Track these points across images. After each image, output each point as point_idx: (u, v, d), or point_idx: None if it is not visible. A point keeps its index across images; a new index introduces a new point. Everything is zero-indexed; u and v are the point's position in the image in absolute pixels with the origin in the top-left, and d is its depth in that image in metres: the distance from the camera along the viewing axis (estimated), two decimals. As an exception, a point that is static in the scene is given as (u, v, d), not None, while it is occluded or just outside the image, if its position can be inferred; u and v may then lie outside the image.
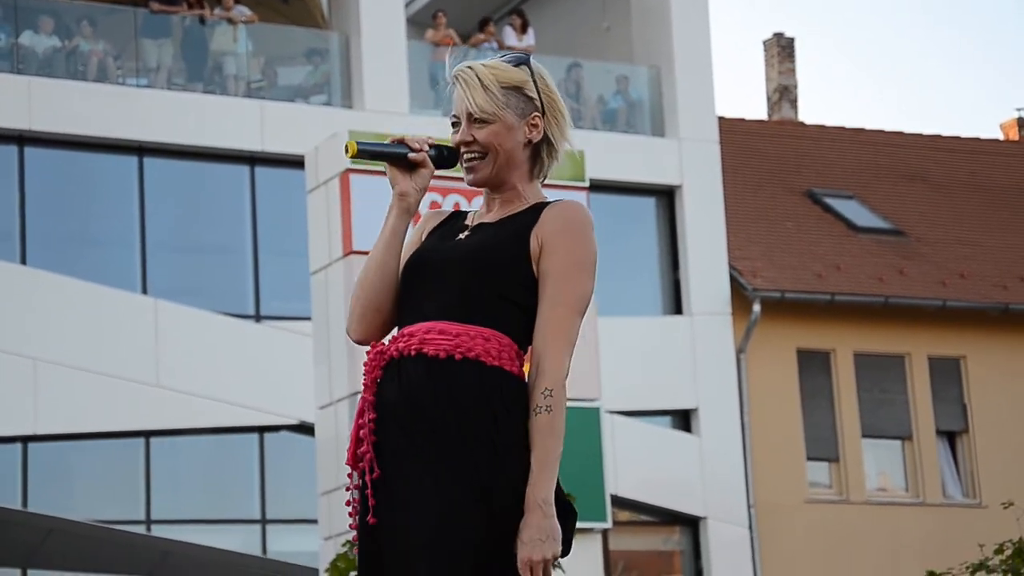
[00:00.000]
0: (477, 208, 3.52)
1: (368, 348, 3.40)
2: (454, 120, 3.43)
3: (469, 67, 3.42)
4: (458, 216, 3.50)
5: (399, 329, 3.39)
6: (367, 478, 3.31)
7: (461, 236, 3.41)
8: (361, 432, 3.33)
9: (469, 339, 3.30)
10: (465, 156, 3.41)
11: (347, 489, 3.39)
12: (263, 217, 18.46)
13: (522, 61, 3.44)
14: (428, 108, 19.51)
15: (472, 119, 3.40)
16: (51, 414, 16.90)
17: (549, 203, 3.41)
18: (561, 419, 3.28)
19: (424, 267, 3.38)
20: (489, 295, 3.32)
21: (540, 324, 3.32)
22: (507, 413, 3.28)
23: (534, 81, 3.44)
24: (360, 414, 3.35)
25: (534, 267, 3.34)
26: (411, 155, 3.38)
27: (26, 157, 17.68)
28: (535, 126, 3.43)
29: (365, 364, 3.38)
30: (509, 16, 21.17)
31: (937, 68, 62.07)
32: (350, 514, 3.39)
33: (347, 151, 3.35)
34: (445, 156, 3.40)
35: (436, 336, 3.31)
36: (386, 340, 3.44)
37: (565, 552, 3.31)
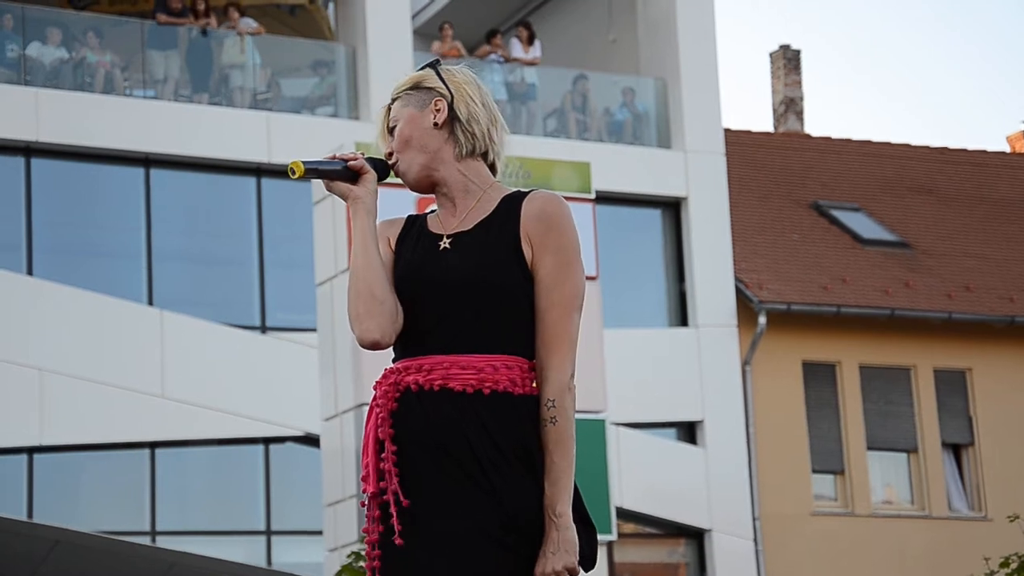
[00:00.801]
0: (431, 211, 3.48)
1: (378, 378, 3.35)
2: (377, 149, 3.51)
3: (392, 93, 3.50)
4: (416, 221, 3.46)
5: (407, 358, 3.33)
6: (392, 509, 3.25)
7: (443, 246, 3.36)
8: (383, 466, 3.27)
9: (493, 371, 3.27)
10: (393, 164, 3.43)
11: (368, 521, 3.34)
12: (269, 229, 18.48)
13: (426, 65, 3.48)
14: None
15: (389, 133, 3.44)
16: (57, 425, 16.91)
17: (521, 197, 3.36)
18: (568, 427, 3.26)
19: (423, 290, 3.32)
20: (502, 319, 3.29)
21: (539, 330, 3.30)
22: (537, 439, 3.28)
23: (437, 73, 3.44)
24: (372, 445, 3.29)
25: (532, 274, 3.33)
26: (351, 163, 3.38)
27: (33, 168, 17.71)
28: (438, 109, 3.40)
29: (378, 397, 3.32)
30: (516, 28, 21.20)
31: (944, 81, 62.08)
32: (368, 542, 3.32)
33: (292, 173, 3.37)
34: (378, 166, 3.44)
35: (460, 371, 3.27)
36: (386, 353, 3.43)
37: (588, 566, 3.29)
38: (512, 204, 3.35)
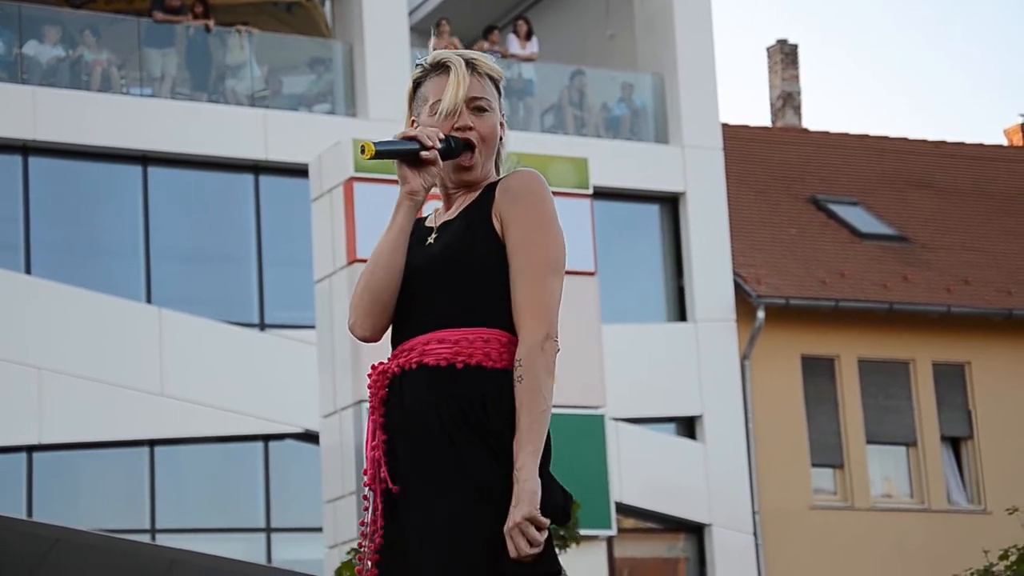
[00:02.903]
0: (435, 208, 3.50)
1: (369, 370, 3.39)
2: (440, 108, 3.37)
3: (459, 55, 3.40)
4: (419, 221, 3.47)
5: (396, 345, 3.37)
6: (378, 499, 3.29)
7: (430, 240, 3.39)
8: (375, 454, 3.31)
9: (468, 344, 3.28)
10: (475, 149, 3.39)
11: (364, 510, 3.38)
12: (267, 226, 18.48)
13: (497, 59, 3.49)
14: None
15: (472, 104, 3.38)
16: (56, 423, 16.91)
17: (500, 179, 3.39)
18: (535, 385, 3.22)
19: (405, 282, 3.36)
20: (478, 293, 3.30)
21: (513, 298, 3.29)
22: (511, 413, 3.26)
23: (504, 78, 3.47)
24: (372, 435, 3.33)
25: (506, 247, 3.33)
26: (423, 154, 3.34)
27: (30, 167, 17.71)
28: (502, 125, 3.45)
29: (369, 385, 3.36)
30: (513, 24, 21.20)
31: (941, 74, 62.08)
32: (362, 535, 3.35)
33: (363, 152, 3.32)
34: (452, 148, 3.37)
35: (436, 346, 3.29)
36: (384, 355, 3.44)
37: (560, 519, 3.24)
38: (491, 187, 3.38)
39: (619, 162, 19.55)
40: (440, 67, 3.40)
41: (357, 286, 3.40)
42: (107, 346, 17.17)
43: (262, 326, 18.16)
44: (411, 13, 20.90)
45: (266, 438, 17.80)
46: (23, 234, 17.58)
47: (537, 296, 3.27)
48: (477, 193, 3.40)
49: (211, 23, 18.86)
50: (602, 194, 17.85)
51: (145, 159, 18.08)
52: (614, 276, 18.56)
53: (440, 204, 3.50)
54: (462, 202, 3.42)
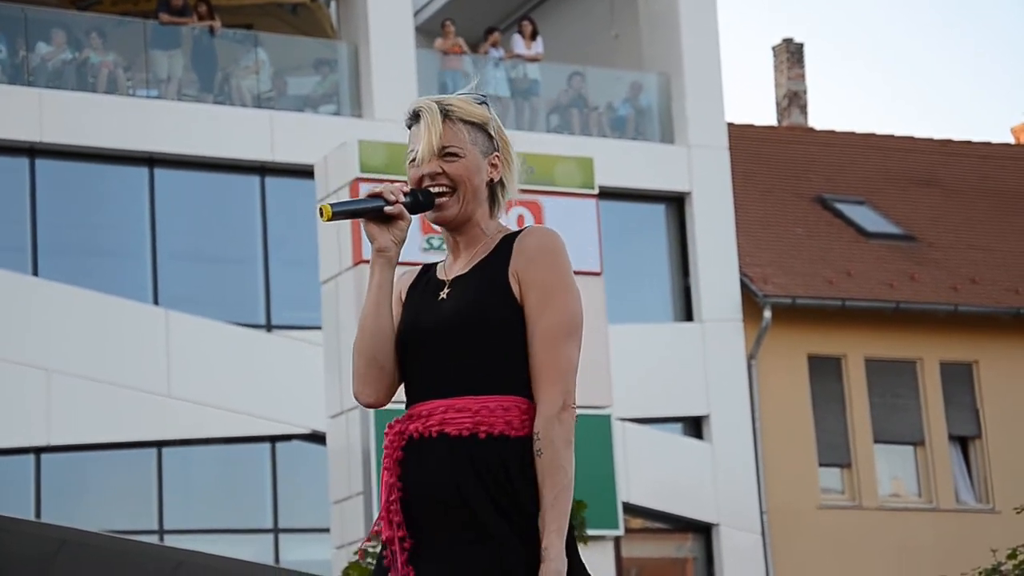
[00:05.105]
0: (445, 257, 3.47)
1: (385, 431, 3.38)
2: (412, 156, 3.38)
3: (433, 101, 3.39)
4: (429, 270, 3.46)
5: (410, 406, 3.35)
6: (399, 558, 3.27)
7: (442, 295, 3.36)
8: (390, 517, 3.29)
9: (489, 412, 3.26)
10: (434, 191, 3.37)
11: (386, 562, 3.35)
12: (273, 227, 18.49)
13: (482, 100, 3.43)
14: (437, 117, 19.51)
15: (442, 152, 3.36)
16: (64, 425, 16.93)
17: (516, 234, 3.36)
18: (555, 459, 3.21)
19: (420, 338, 3.33)
20: (496, 357, 3.28)
21: (531, 363, 3.28)
22: (534, 481, 3.25)
23: (494, 120, 3.43)
24: (387, 494, 3.31)
25: (523, 309, 3.30)
26: (387, 208, 3.33)
27: (37, 169, 17.72)
28: (495, 166, 3.42)
29: (386, 445, 3.35)
30: (518, 24, 21.20)
31: (947, 72, 62.03)
32: None
33: (322, 215, 3.32)
34: (421, 201, 3.36)
35: (455, 415, 3.27)
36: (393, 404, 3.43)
37: None
38: (507, 243, 3.36)
39: (625, 162, 19.54)
40: (416, 116, 3.40)
41: (352, 351, 3.40)
42: (114, 348, 17.18)
43: (268, 327, 18.17)
44: (416, 14, 20.90)
45: (273, 439, 17.81)
46: (30, 236, 17.60)
47: (554, 363, 3.26)
48: (490, 247, 3.38)
49: (216, 24, 18.88)
50: (608, 194, 17.84)
51: (151, 161, 18.09)
52: (620, 276, 18.55)
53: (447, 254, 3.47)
54: (472, 254, 3.39)
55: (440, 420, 3.27)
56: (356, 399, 3.41)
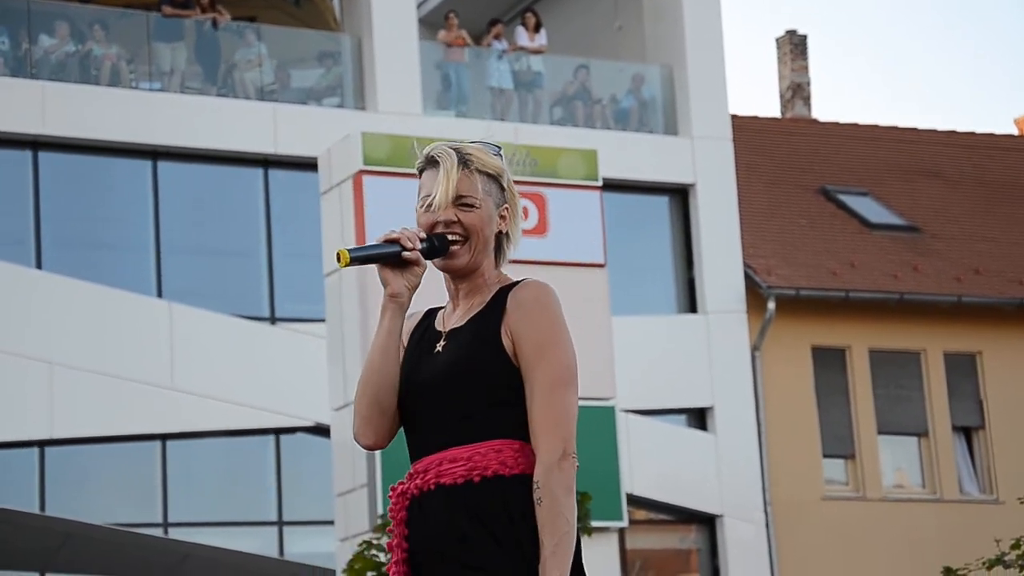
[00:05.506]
0: (446, 305, 3.49)
1: (388, 493, 3.43)
2: (428, 203, 3.39)
3: (452, 148, 3.41)
4: (431, 316, 3.49)
5: (413, 461, 3.40)
6: None
7: (438, 348, 3.39)
8: (392, 572, 3.36)
9: (481, 457, 3.30)
10: (453, 242, 3.38)
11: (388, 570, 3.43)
12: (277, 219, 18.50)
13: (498, 151, 3.45)
14: (441, 109, 19.53)
15: (458, 201, 3.38)
16: (67, 418, 16.95)
17: (511, 286, 3.39)
18: (555, 507, 3.24)
19: (416, 391, 3.38)
20: (487, 409, 3.32)
21: (529, 415, 3.30)
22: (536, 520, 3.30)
23: (507, 172, 3.46)
24: (395, 553, 3.38)
25: (515, 362, 3.33)
26: (405, 254, 3.35)
27: (40, 162, 17.73)
28: (503, 218, 3.44)
29: (390, 508, 3.41)
30: (521, 16, 21.18)
31: (951, 64, 61.98)
32: None
33: (339, 260, 3.33)
34: (436, 247, 3.38)
35: (448, 466, 3.32)
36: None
37: None
38: (501, 295, 3.39)
39: (628, 154, 19.53)
40: (433, 161, 3.41)
41: (356, 392, 3.43)
42: (117, 340, 17.20)
43: (272, 320, 18.18)
44: (419, 6, 20.88)
45: (277, 432, 17.83)
46: (33, 229, 17.61)
47: (552, 412, 3.29)
48: (486, 299, 3.40)
49: (225, 16, 18.86)
50: (611, 186, 17.83)
51: (155, 153, 18.10)
52: (624, 268, 18.55)
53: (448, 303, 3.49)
54: (469, 306, 3.42)
55: (436, 474, 3.32)
56: (356, 440, 3.45)
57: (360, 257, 3.33)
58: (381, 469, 13.41)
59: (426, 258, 3.37)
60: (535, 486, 3.26)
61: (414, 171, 3.50)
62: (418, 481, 3.35)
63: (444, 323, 3.44)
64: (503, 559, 3.24)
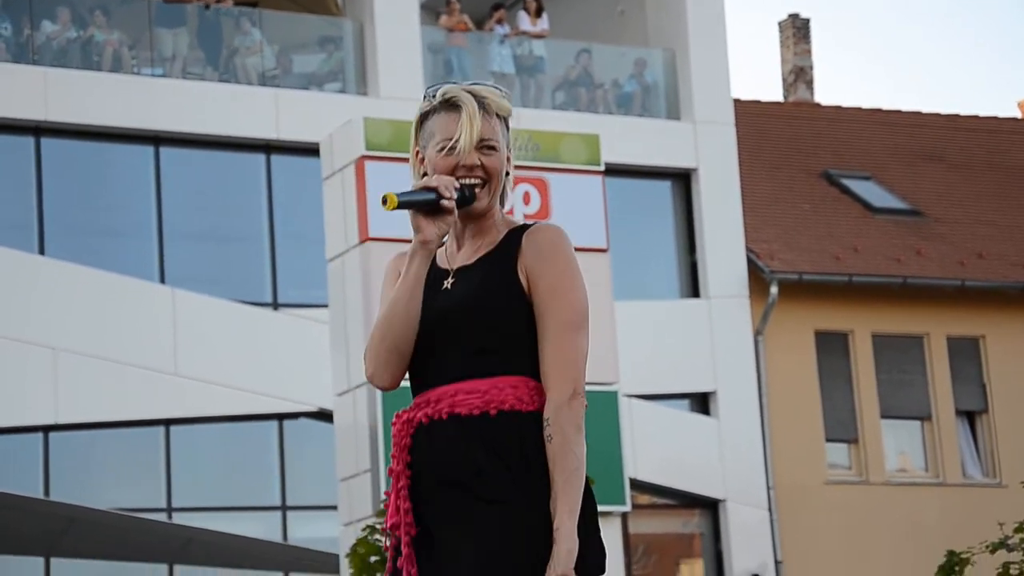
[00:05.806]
0: (445, 244, 3.50)
1: (392, 421, 3.42)
2: (447, 146, 3.39)
3: (468, 92, 3.42)
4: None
5: (416, 395, 3.41)
6: (404, 541, 3.33)
7: (447, 285, 3.41)
8: (400, 502, 3.35)
9: (498, 391, 3.33)
10: (468, 182, 3.40)
11: (385, 549, 3.43)
12: (279, 205, 18.49)
13: (505, 93, 3.47)
14: (443, 94, 19.48)
15: (480, 144, 3.40)
16: (71, 403, 16.97)
17: (522, 228, 3.41)
18: (564, 444, 3.28)
19: (426, 327, 3.39)
20: (501, 343, 3.35)
21: (540, 356, 3.34)
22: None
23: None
24: (396, 480, 3.37)
25: (529, 301, 3.36)
26: (443, 202, 3.36)
27: (43, 148, 17.72)
28: (509, 159, 3.47)
29: (393, 435, 3.41)
30: (523, 0, 21.15)
31: (954, 47, 61.87)
32: (387, 571, 3.40)
33: (385, 203, 3.34)
34: (466, 196, 3.40)
35: (464, 396, 3.33)
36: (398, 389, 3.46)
37: (594, 573, 3.33)
38: (513, 237, 3.41)
39: (631, 138, 19.51)
40: (450, 104, 3.42)
41: (373, 337, 3.41)
42: (121, 326, 17.21)
43: (275, 305, 18.18)
44: (421, -10, 20.83)
45: (280, 417, 17.84)
46: (36, 215, 17.61)
47: (564, 354, 3.33)
48: (496, 239, 3.42)
49: (222, 1, 18.84)
50: (614, 171, 17.82)
51: (157, 139, 18.09)
52: (626, 253, 18.54)
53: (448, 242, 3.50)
54: (477, 245, 3.44)
55: (450, 403, 3.33)
56: (370, 381, 3.45)
57: (405, 202, 3.35)
58: (384, 454, 13.42)
59: (458, 207, 3.39)
60: (545, 423, 3.30)
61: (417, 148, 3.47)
62: (428, 410, 3.35)
63: (449, 262, 3.46)
64: (517, 494, 3.26)
